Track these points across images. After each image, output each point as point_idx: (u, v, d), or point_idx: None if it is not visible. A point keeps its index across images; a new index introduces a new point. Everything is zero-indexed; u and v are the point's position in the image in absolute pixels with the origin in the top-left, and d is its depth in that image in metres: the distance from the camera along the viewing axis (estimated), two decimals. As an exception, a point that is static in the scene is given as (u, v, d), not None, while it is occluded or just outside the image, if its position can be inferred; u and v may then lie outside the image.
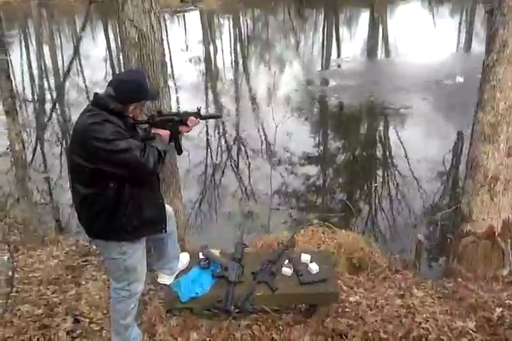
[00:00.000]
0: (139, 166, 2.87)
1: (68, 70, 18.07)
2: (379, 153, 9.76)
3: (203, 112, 3.40)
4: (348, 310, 4.05)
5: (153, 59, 4.40)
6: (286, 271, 3.78)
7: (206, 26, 24.64)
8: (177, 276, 3.79)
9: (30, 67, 18.69)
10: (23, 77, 17.01)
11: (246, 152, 10.05)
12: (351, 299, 4.27)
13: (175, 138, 3.32)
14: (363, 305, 4.14)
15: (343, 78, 14.64)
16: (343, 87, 13.76)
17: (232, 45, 21.94)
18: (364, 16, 26.62)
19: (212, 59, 19.50)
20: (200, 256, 3.85)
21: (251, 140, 10.53)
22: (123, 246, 3.09)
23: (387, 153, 9.70)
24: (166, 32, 21.76)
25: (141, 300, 4.19)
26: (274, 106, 11.87)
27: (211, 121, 11.97)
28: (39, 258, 5.46)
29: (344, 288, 4.55)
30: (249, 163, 9.34)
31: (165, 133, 3.20)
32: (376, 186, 8.28)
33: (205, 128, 11.27)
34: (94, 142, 2.80)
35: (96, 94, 3.01)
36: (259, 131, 10.97)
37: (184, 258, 3.93)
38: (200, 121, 3.38)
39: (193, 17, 27.21)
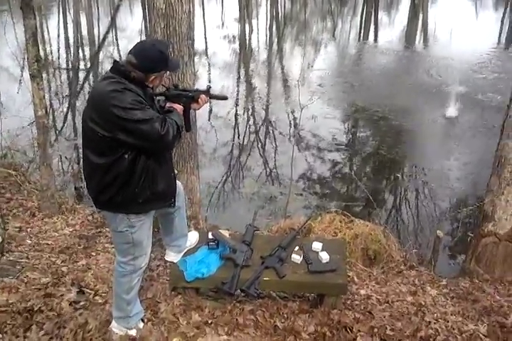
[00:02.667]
0: (158, 138, 2.78)
1: (103, 40, 18.08)
2: (408, 144, 9.50)
3: (214, 92, 3.30)
4: (357, 302, 3.96)
5: (179, 31, 4.31)
6: (296, 257, 3.67)
7: (243, 4, 24.27)
8: (184, 255, 3.72)
9: (66, 34, 18.75)
10: (58, 45, 17.07)
11: (274, 134, 9.94)
12: (362, 292, 4.18)
13: (186, 114, 3.22)
14: (372, 299, 4.04)
15: (378, 63, 14.33)
16: (377, 72, 13.46)
17: (268, 25, 21.65)
18: (405, 2, 25.91)
19: (247, 37, 19.28)
20: (209, 236, 3.76)
21: (279, 122, 10.41)
22: (131, 218, 3.02)
23: (417, 143, 9.44)
24: (203, 8, 21.61)
25: (149, 276, 4.17)
26: (306, 88, 11.68)
27: (241, 101, 11.93)
28: (54, 226, 5.47)
29: (356, 279, 4.47)
30: (276, 146, 9.23)
31: (180, 108, 3.10)
32: (401, 178, 8.09)
33: (235, 108, 11.19)
34: (114, 110, 2.71)
35: (116, 61, 2.91)
36: (288, 113, 10.82)
37: (193, 237, 3.85)
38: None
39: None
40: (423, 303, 3.97)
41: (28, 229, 5.32)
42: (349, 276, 4.50)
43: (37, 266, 4.40)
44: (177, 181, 3.43)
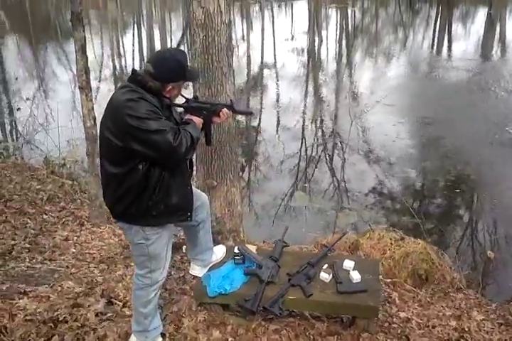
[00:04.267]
0: (170, 149, 2.71)
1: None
2: (483, 164, 8.63)
3: (242, 107, 3.23)
4: (394, 326, 3.73)
5: (218, 41, 4.26)
6: (325, 276, 3.48)
7: (313, 16, 24.21)
8: (210, 269, 3.62)
9: (140, 48, 19.34)
10: (133, 58, 17.61)
11: (342, 146, 9.71)
12: (401, 314, 3.93)
13: (207, 127, 3.14)
14: (412, 323, 3.79)
15: (452, 75, 13.75)
16: (450, 85, 12.92)
17: (338, 37, 21.42)
18: (480, 14, 24.89)
19: (316, 49, 19.17)
20: (235, 250, 3.64)
21: (345, 134, 10.12)
22: (146, 231, 2.96)
23: (494, 165, 8.71)
24: (273, 21, 21.70)
25: (181, 289, 4.10)
26: (374, 101, 11.33)
27: (308, 113, 11.81)
28: (101, 235, 5.54)
29: (397, 301, 4.21)
30: (344, 159, 8.99)
31: (198, 120, 3.03)
32: (462, 195, 7.64)
33: (302, 120, 11.08)
34: (127, 119, 2.68)
35: (134, 70, 2.89)
36: (354, 126, 10.46)
37: (219, 251, 3.76)
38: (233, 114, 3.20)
39: (300, 6, 26.77)
40: (466, 329, 3.67)
41: (75, 238, 5.41)
42: (390, 297, 4.26)
43: (74, 275, 4.43)
44: (201, 194, 3.36)
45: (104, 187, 3.02)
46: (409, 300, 4.29)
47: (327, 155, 9.48)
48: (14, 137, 10.19)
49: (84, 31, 5.10)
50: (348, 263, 3.59)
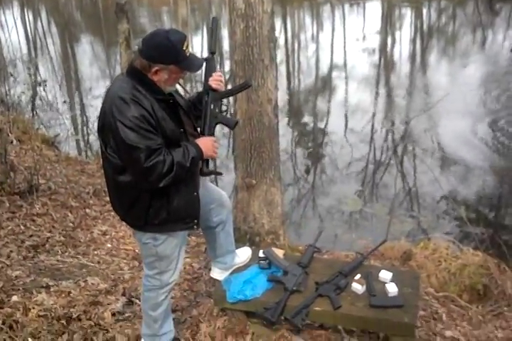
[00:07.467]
0: (138, 170, 2.47)
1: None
2: None
3: None
4: (437, 345, 3.32)
5: (259, 32, 4.04)
6: (357, 287, 3.12)
7: (385, 17, 23.39)
8: (232, 272, 3.33)
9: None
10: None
11: (414, 151, 9.17)
12: (447, 333, 3.53)
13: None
14: (458, 344, 3.37)
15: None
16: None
17: (411, 38, 20.54)
18: None
19: (388, 50, 18.48)
20: (260, 254, 3.34)
21: (418, 139, 9.61)
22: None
23: None
24: (344, 21, 21.17)
25: (207, 292, 3.86)
26: (450, 104, 10.67)
27: (379, 115, 11.31)
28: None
29: (444, 318, 3.80)
30: (415, 165, 8.50)
31: (207, 143, 2.68)
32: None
33: (371, 123, 10.65)
34: (111, 119, 2.45)
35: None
36: (428, 131, 9.93)
37: (244, 253, 3.45)
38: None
39: (373, 7, 25.96)
40: (520, 356, 3.22)
41: (113, 233, 5.29)
42: (437, 313, 3.85)
43: (103, 272, 4.29)
44: (220, 193, 3.10)
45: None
46: (458, 318, 3.87)
47: (394, 159, 8.99)
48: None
49: (128, 23, 4.97)
50: (385, 275, 3.21)
